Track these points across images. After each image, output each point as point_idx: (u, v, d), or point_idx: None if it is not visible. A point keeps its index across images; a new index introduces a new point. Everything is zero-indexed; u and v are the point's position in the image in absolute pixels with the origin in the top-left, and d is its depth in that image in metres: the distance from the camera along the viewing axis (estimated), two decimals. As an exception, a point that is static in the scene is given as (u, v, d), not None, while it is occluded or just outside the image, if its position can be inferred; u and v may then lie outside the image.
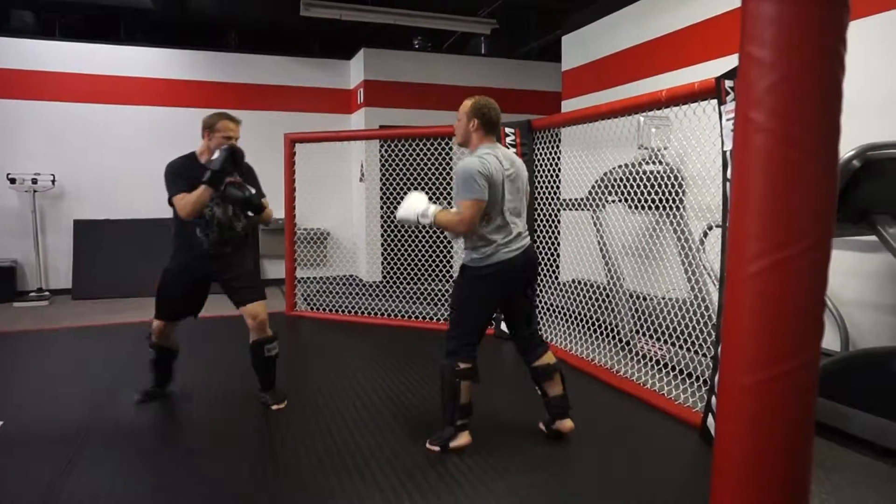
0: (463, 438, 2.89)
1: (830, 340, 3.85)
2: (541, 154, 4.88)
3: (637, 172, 4.28)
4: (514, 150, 4.88)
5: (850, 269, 3.88)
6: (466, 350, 2.82)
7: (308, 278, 6.81)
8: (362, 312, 5.94)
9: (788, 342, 1.46)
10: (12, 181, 6.96)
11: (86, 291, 7.16)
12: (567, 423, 2.99)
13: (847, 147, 2.98)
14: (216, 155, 3.16)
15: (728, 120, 2.89)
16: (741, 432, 1.53)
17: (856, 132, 3.40)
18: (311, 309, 6.20)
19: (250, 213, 3.27)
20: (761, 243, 1.46)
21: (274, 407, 3.43)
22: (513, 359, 4.65)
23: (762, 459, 1.51)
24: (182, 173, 3.23)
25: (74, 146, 7.39)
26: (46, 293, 7.05)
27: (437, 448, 2.87)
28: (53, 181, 7.23)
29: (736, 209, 1.54)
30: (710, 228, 4.17)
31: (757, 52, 1.45)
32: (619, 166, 4.50)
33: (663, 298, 4.36)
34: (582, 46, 6.84)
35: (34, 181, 7.05)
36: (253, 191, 3.25)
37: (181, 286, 3.38)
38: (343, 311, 6.03)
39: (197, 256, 3.29)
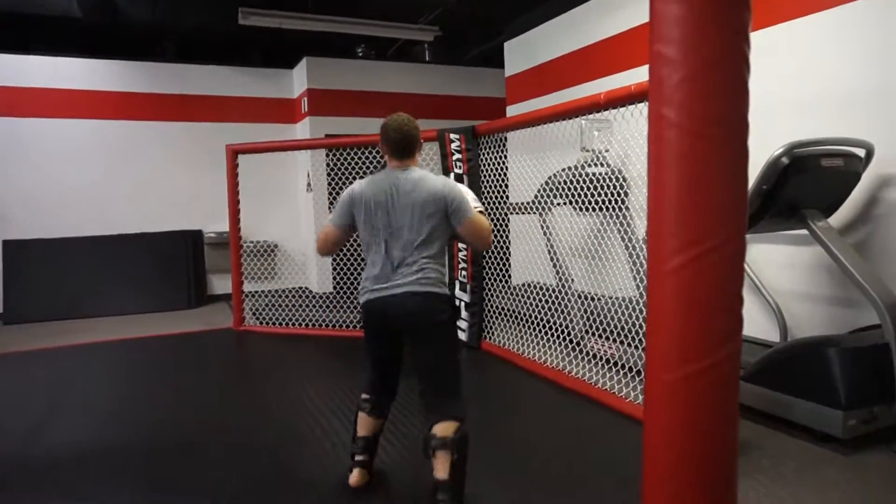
0: (353, 475, 2.58)
1: (770, 331, 3.99)
2: (487, 159, 4.90)
3: (581, 175, 4.35)
4: (460, 156, 4.89)
5: (785, 262, 4.04)
6: (366, 382, 2.65)
7: (256, 292, 6.66)
8: (314, 325, 5.83)
9: (707, 338, 1.50)
10: (-67, 202, 6.56)
11: (18, 316, 6.79)
12: None
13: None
14: None
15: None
16: (667, 427, 1.56)
17: (797, 129, 3.56)
18: (261, 323, 6.05)
19: None
20: (676, 240, 1.50)
21: None
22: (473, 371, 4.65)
23: (688, 453, 1.54)
24: None
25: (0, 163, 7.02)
26: (-26, 319, 6.66)
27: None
28: (-22, 201, 6.85)
29: (653, 206, 1.58)
30: (647, 219, 4.27)
31: (665, 50, 1.49)
32: (564, 169, 4.56)
33: (611, 298, 4.43)
34: (524, 52, 6.93)
35: (-43, 201, 6.67)
36: None
37: None
38: (294, 325, 5.90)
39: None
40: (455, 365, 2.49)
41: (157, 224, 7.66)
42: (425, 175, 2.47)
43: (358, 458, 2.59)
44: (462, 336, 4.98)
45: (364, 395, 2.63)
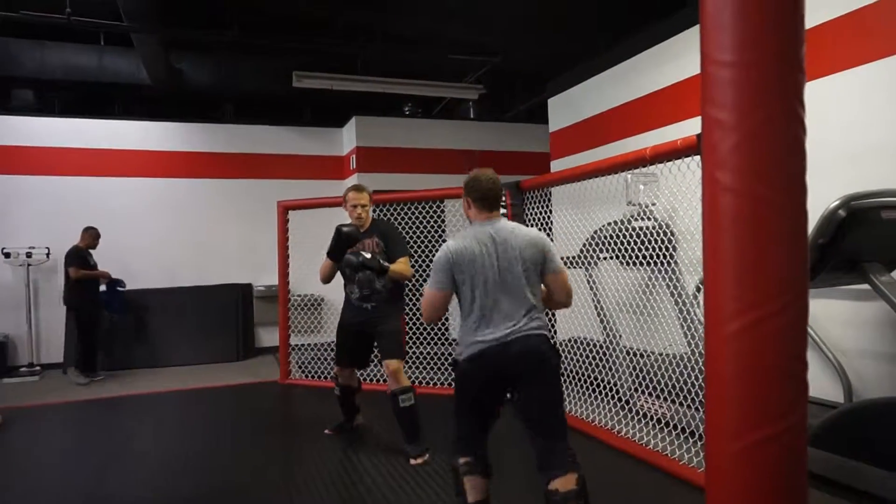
0: None
1: (831, 391, 3.78)
2: (532, 214, 4.92)
3: (627, 229, 4.31)
4: (504, 211, 4.92)
5: (847, 319, 3.85)
6: (460, 444, 2.51)
7: (303, 345, 6.73)
8: (360, 378, 5.80)
9: (771, 405, 1.42)
10: (6, 255, 6.97)
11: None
12: None
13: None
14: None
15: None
16: (731, 499, 1.47)
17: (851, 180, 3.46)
18: (307, 376, 6.09)
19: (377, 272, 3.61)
20: (736, 304, 1.44)
21: (412, 461, 3.58)
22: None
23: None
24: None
25: (70, 219, 7.40)
26: (37, 368, 6.94)
27: None
28: (48, 254, 7.23)
29: (709, 270, 1.53)
30: (703, 283, 4.17)
31: (718, 115, 1.47)
32: (610, 223, 4.53)
33: (661, 354, 4.30)
34: (568, 108, 7.03)
35: (28, 255, 7.06)
36: (367, 255, 3.63)
37: (342, 336, 4.05)
38: (338, 378, 5.90)
39: (350, 311, 3.95)
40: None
41: (210, 277, 7.91)
42: (516, 224, 2.56)
43: None
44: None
45: (463, 460, 2.45)
